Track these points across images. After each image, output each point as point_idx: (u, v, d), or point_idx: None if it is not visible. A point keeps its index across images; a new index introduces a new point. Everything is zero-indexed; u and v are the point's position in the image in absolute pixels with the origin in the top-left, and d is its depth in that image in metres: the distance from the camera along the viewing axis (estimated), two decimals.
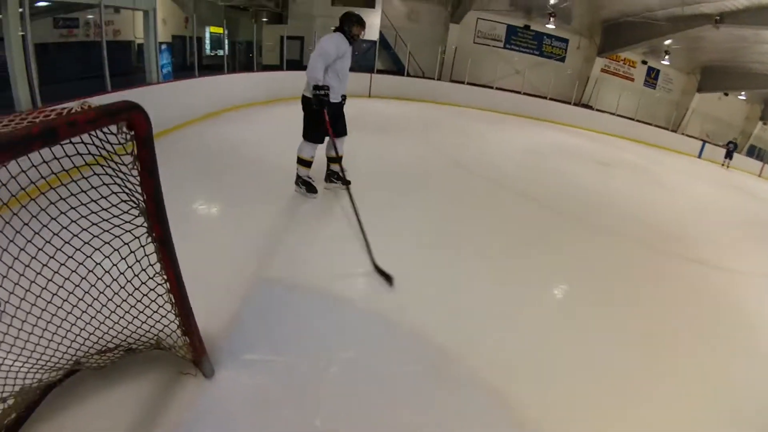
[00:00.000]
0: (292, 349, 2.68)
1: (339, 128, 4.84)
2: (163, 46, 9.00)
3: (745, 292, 5.30)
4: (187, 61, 8.56)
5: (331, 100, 4.49)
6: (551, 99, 17.04)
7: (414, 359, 2.79)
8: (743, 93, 20.44)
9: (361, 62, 13.74)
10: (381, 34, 15.88)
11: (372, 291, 3.53)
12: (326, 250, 3.98)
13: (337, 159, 5.04)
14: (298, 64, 12.68)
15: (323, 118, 4.53)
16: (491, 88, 16.02)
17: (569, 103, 17.69)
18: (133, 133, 1.54)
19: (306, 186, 4.93)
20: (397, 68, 16.20)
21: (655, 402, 2.85)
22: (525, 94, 16.67)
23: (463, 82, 15.52)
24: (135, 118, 1.51)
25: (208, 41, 11.47)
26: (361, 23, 4.61)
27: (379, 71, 14.45)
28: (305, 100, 4.61)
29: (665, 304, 4.40)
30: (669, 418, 2.71)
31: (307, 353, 2.67)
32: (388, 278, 4.06)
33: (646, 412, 2.74)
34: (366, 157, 5.40)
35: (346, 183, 5.14)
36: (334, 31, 4.53)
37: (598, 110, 18.14)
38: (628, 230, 6.42)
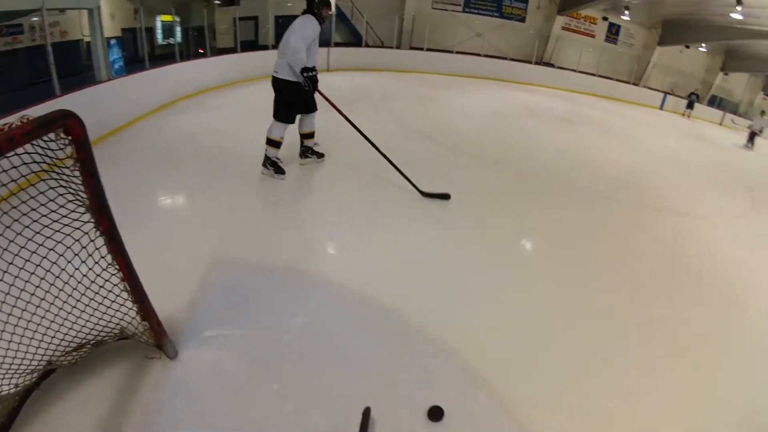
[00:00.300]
0: (249, 322, 2.88)
1: (310, 104, 5.04)
2: (113, 41, 8.88)
3: (714, 236, 5.75)
4: (140, 53, 8.47)
5: None
6: (513, 60, 17.22)
7: (371, 330, 2.99)
8: (704, 45, 20.79)
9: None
10: (337, 6, 15.73)
11: (330, 265, 3.70)
12: (285, 229, 4.16)
13: (310, 134, 5.36)
14: (253, 45, 12.57)
15: (300, 97, 4.82)
16: (451, 52, 16.10)
17: (531, 63, 17.88)
18: (70, 138, 1.68)
19: (274, 167, 5.04)
20: (355, 40, 16.10)
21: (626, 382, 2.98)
22: (486, 56, 16.84)
23: (422, 49, 15.55)
24: (70, 125, 1.66)
25: (159, 31, 11.28)
26: (328, 4, 4.78)
27: (337, 44, 14.41)
28: (277, 82, 4.74)
29: (639, 263, 4.63)
30: (640, 397, 2.83)
31: (263, 325, 2.88)
32: (443, 196, 5.04)
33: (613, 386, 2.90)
34: (323, 133, 5.52)
35: (321, 156, 5.64)
36: (303, 13, 4.63)
37: (560, 68, 18.44)
38: (596, 187, 6.74)
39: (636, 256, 4.80)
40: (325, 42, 13.13)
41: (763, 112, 17.16)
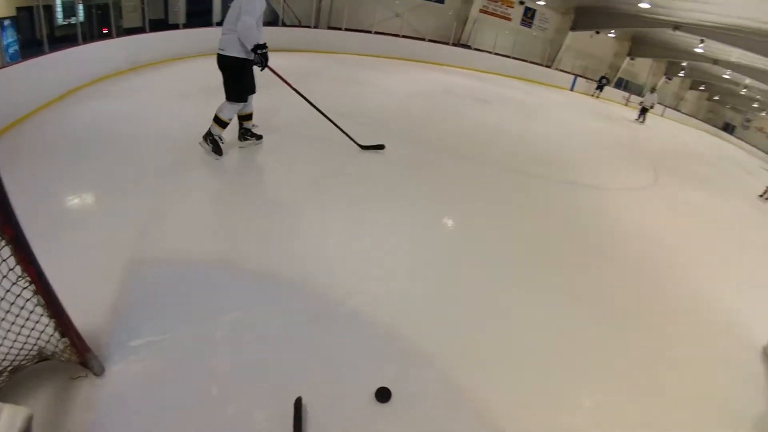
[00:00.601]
0: (177, 324, 2.77)
1: (252, 85, 5.15)
2: (6, 22, 8.37)
3: (617, 204, 6.93)
4: (38, 35, 7.99)
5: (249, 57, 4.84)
6: (431, 41, 17.96)
7: (298, 312, 3.05)
8: (613, 31, 23.04)
9: None
10: None
11: (246, 252, 3.63)
12: (211, 218, 4.16)
13: (249, 116, 5.46)
14: (162, 24, 12.23)
15: (250, 73, 4.97)
16: (370, 33, 16.45)
17: (448, 44, 18.72)
18: None
19: (214, 145, 5.08)
20: (271, 19, 15.97)
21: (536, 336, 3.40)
22: (404, 37, 17.36)
23: (341, 29, 15.65)
24: None
25: (60, 9, 10.61)
26: None
27: None
28: (225, 60, 4.79)
29: (551, 233, 5.31)
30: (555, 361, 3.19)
31: (194, 325, 2.78)
32: (379, 147, 5.91)
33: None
34: (260, 115, 5.75)
35: (260, 138, 5.71)
36: None
37: (477, 49, 19.53)
38: (510, 162, 7.56)
39: (560, 227, 5.52)
40: None
41: (653, 90, 19.34)
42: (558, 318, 3.68)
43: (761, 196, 11.41)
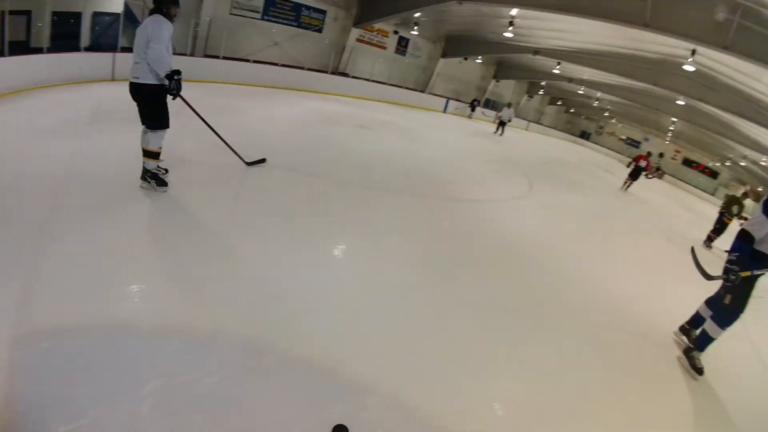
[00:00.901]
0: (90, 406, 2.31)
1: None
2: None
3: (501, 213, 7.78)
4: None
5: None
6: (309, 69, 18.66)
7: (228, 364, 2.79)
8: (480, 57, 25.87)
9: (102, 39, 13.02)
10: (126, 5, 14.87)
11: (155, 306, 3.20)
12: (94, 273, 3.39)
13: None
14: (23, 47, 11.39)
15: (165, 103, 4.84)
16: (248, 61, 16.68)
17: (327, 72, 19.63)
18: None
19: (155, 180, 4.96)
20: None
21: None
22: (284, 65, 17.86)
23: (218, 57, 15.64)
24: None
25: None
26: (177, 3, 4.74)
27: (124, 49, 13.71)
28: (139, 88, 4.68)
29: (446, 250, 5.59)
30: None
31: (112, 403, 2.35)
32: (261, 161, 6.27)
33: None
34: (113, 156, 5.42)
35: (166, 171, 5.35)
36: (152, 13, 4.60)
37: (354, 77, 20.77)
38: (395, 185, 7.90)
39: (454, 243, 5.88)
40: (110, 47, 12.53)
41: (509, 105, 21.86)
42: (479, 328, 3.96)
43: (621, 188, 13.92)
